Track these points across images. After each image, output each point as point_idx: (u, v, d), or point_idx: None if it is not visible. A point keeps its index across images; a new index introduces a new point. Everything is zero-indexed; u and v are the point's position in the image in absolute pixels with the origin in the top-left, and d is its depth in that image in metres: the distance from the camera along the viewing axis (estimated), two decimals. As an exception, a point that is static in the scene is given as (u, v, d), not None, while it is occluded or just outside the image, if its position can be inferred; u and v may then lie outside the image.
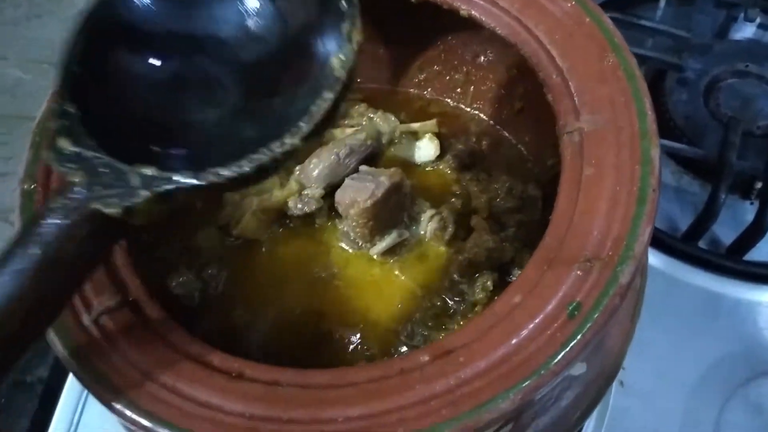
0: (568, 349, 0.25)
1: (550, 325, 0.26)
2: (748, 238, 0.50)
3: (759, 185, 0.53)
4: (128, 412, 0.26)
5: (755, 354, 0.48)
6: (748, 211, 0.52)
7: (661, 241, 0.51)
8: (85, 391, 0.50)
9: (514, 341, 0.26)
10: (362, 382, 0.26)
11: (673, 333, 0.48)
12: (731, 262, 0.50)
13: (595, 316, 0.26)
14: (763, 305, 0.49)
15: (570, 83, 0.32)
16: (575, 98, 0.32)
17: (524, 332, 0.26)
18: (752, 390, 0.47)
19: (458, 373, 0.26)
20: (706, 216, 0.50)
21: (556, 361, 0.25)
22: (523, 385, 0.25)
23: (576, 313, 0.26)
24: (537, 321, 0.26)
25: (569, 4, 0.34)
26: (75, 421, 0.49)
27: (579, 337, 0.25)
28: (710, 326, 0.49)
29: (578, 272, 0.27)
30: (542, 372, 0.25)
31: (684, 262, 0.51)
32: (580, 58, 0.32)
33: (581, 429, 0.45)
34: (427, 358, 0.26)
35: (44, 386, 0.51)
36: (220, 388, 0.26)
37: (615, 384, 0.47)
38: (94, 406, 0.50)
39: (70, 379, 0.51)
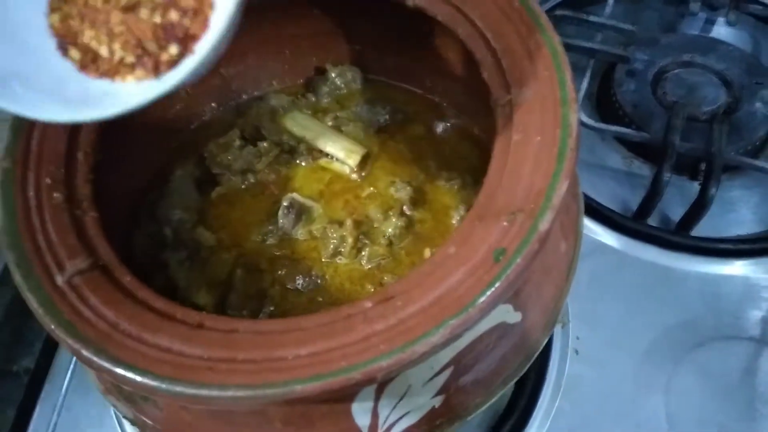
0: (492, 288, 0.28)
1: (478, 269, 0.29)
2: (694, 215, 0.53)
3: (704, 166, 0.56)
4: (95, 359, 0.28)
5: (702, 322, 0.50)
6: (696, 191, 0.55)
7: (613, 221, 0.54)
8: (68, 379, 0.53)
9: (446, 285, 0.29)
10: (311, 326, 0.29)
11: (626, 305, 0.51)
12: (679, 238, 0.53)
13: (518, 259, 0.29)
14: (710, 277, 0.52)
15: (502, 61, 0.35)
16: (506, 74, 0.35)
17: (455, 277, 0.29)
18: (700, 355, 0.49)
19: (396, 315, 0.28)
20: (652, 194, 0.53)
21: (482, 300, 0.28)
22: (451, 321, 0.27)
23: (500, 257, 0.29)
24: (467, 267, 0.29)
25: (501, -9, 0.37)
26: (58, 406, 0.51)
27: (503, 278, 0.28)
28: (660, 298, 0.52)
29: (505, 223, 0.30)
30: (469, 310, 0.28)
31: (635, 239, 0.54)
32: (511, 38, 0.35)
33: (537, 393, 0.47)
34: (369, 304, 0.29)
35: (30, 376, 0.54)
36: (180, 336, 0.29)
37: (570, 352, 0.50)
38: (76, 393, 0.52)
39: (54, 367, 0.53)
